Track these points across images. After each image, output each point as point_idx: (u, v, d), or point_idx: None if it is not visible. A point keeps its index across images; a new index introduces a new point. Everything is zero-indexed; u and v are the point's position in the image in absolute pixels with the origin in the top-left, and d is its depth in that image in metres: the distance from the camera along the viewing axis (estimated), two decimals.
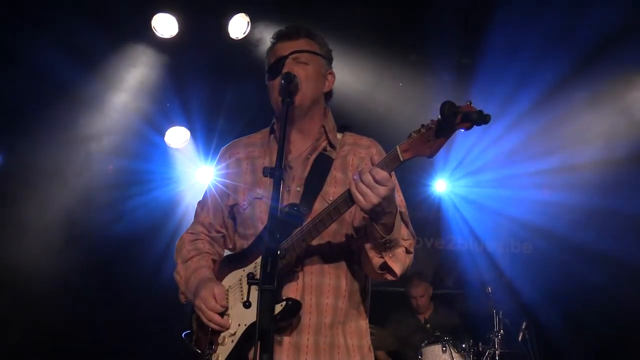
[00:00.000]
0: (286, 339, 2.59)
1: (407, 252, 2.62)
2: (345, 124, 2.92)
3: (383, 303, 7.09)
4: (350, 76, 6.56)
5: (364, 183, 2.31)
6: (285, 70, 2.70)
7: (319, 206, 2.62)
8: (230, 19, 6.36)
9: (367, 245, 2.55)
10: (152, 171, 7.28)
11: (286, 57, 2.76)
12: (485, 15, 6.26)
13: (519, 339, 6.49)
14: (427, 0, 6.33)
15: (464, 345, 6.08)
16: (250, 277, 2.44)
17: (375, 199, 2.31)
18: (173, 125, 7.22)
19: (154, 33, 6.37)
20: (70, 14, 5.95)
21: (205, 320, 2.67)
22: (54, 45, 6.04)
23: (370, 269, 2.61)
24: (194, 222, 3.01)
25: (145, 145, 7.08)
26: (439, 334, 6.29)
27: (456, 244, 8.65)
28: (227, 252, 2.99)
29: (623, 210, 7.04)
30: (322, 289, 2.65)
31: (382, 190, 2.30)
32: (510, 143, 7.29)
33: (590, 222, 7.10)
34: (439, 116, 2.16)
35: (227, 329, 2.64)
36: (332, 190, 2.68)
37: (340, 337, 2.66)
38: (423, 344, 6.18)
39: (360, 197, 2.32)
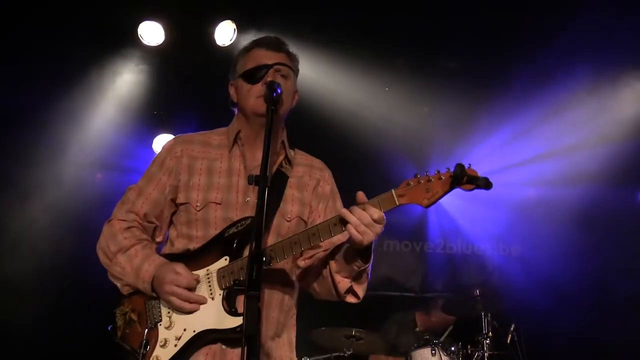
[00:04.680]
0: (231, 351, 2.61)
1: (368, 275, 2.72)
2: (293, 140, 2.97)
3: (377, 307, 7.16)
4: (336, 81, 6.56)
5: (363, 223, 2.39)
6: (268, 79, 2.75)
7: (277, 222, 2.71)
8: (217, 26, 6.38)
9: (334, 269, 2.64)
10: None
11: (270, 66, 2.80)
12: (471, 18, 6.32)
13: (508, 341, 6.52)
14: (413, 4, 6.36)
15: (453, 348, 6.09)
16: (237, 284, 2.47)
17: (373, 237, 2.44)
18: (160, 133, 7.22)
19: (141, 41, 6.38)
20: (56, 21, 5.96)
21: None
22: (39, 54, 6.04)
23: (328, 290, 2.69)
24: (125, 208, 2.87)
25: (133, 153, 7.07)
26: (428, 337, 6.31)
27: (444, 248, 8.67)
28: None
29: (614, 214, 7.09)
30: (271, 302, 2.73)
31: (380, 229, 2.43)
32: (499, 145, 7.32)
33: (581, 226, 7.13)
34: (446, 171, 2.30)
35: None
36: (289, 208, 2.78)
37: (277, 349, 2.74)
38: (412, 348, 6.20)
39: (360, 237, 2.41)
